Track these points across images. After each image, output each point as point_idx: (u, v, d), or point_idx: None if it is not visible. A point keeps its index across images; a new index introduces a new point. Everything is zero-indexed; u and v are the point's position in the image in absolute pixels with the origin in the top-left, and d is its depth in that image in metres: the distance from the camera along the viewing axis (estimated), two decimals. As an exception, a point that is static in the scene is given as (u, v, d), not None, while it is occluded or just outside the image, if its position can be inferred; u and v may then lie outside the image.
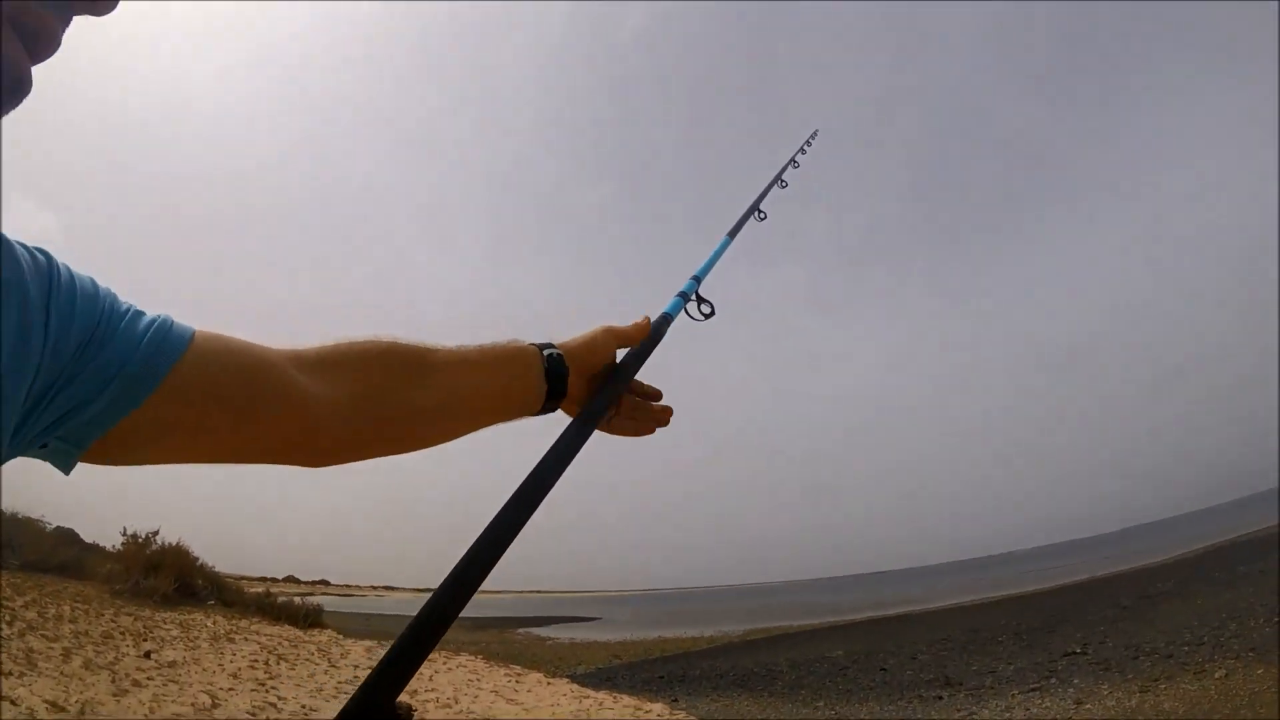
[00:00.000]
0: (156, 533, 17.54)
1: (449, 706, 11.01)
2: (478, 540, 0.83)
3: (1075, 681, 11.63)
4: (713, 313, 1.45)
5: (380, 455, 0.95)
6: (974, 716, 10.66)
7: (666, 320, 1.34)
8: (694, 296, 1.47)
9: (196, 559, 17.87)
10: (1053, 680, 12.07)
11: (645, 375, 1.21)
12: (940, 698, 12.33)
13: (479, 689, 13.35)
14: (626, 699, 13.70)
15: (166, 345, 0.74)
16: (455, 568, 0.81)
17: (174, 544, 17.46)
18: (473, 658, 18.93)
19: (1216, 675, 9.95)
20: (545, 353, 1.06)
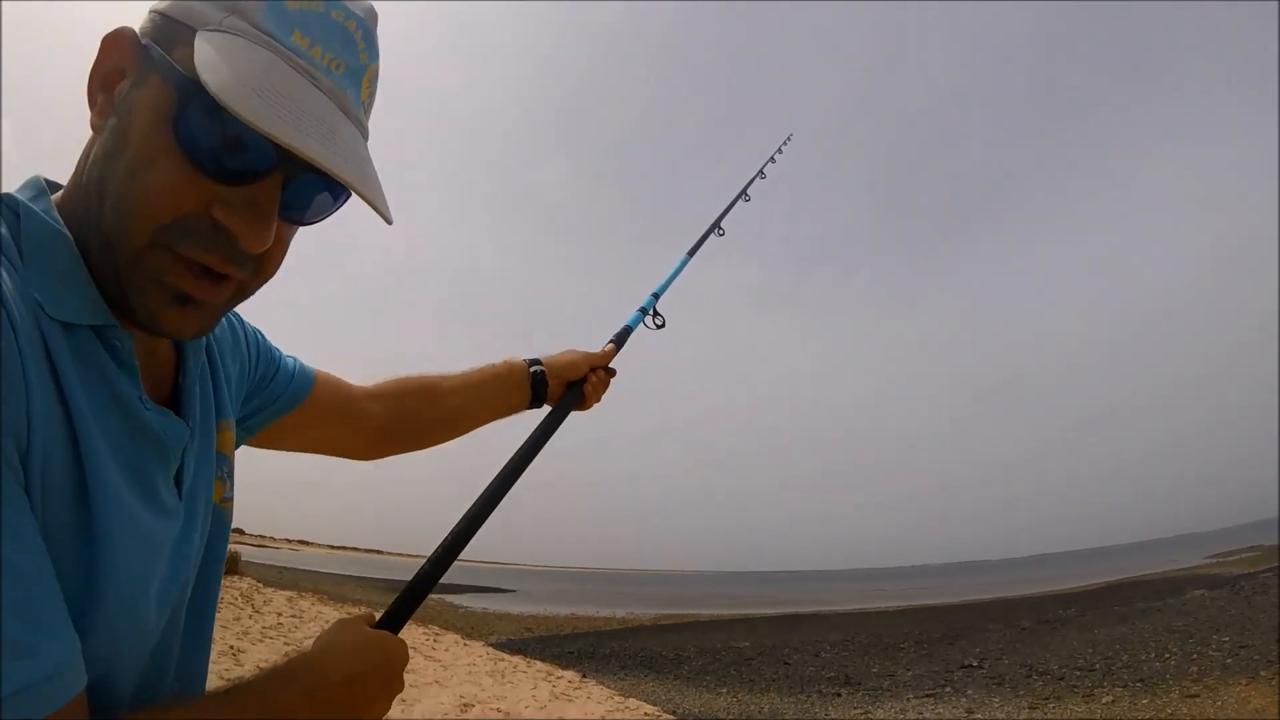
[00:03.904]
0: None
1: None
2: (472, 507, 1.16)
3: (969, 692, 12.01)
4: (664, 325, 1.76)
5: (411, 450, 1.47)
6: (870, 715, 10.96)
7: (628, 331, 1.69)
8: (652, 311, 1.78)
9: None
10: (947, 689, 12.45)
11: (617, 371, 1.65)
12: (839, 695, 12.65)
13: (397, 644, 13.24)
14: (539, 664, 13.81)
15: (305, 380, 1.20)
16: (455, 527, 1.13)
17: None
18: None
19: (1104, 701, 10.37)
20: (532, 369, 1.52)
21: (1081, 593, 32.50)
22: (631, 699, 11.42)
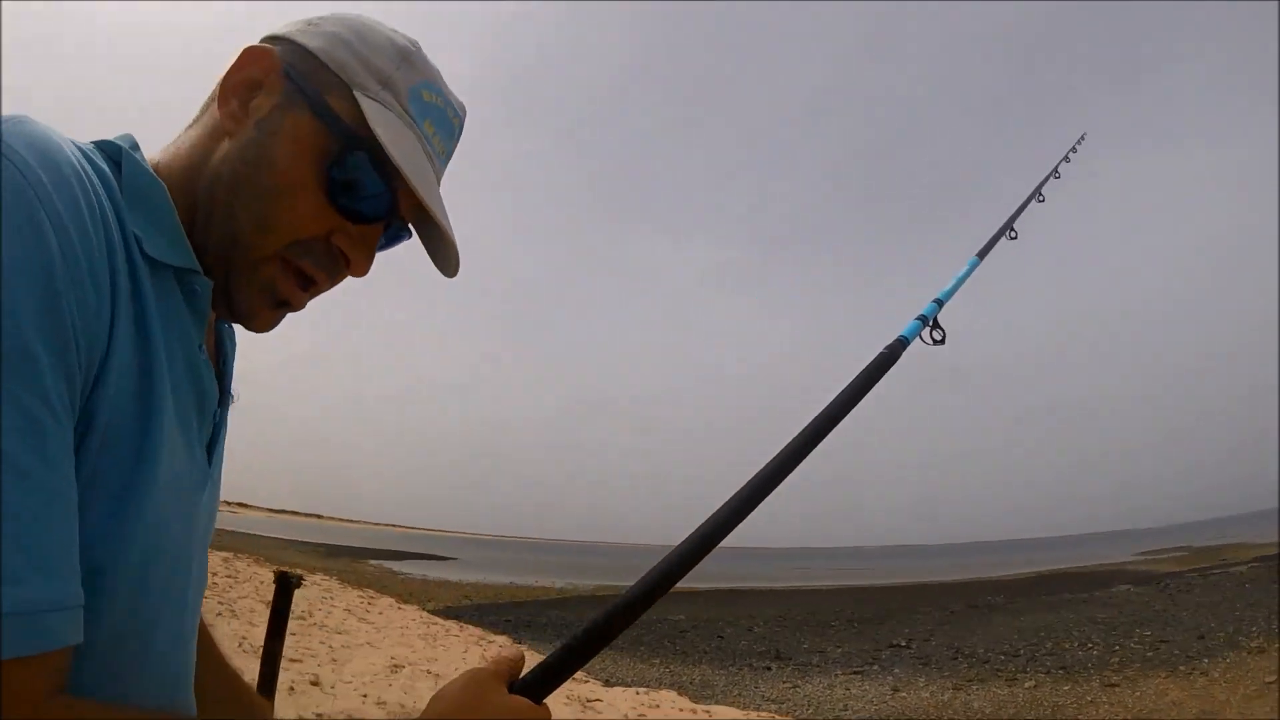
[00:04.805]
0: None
1: (303, 619, 10.94)
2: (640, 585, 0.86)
3: (896, 671, 12.27)
4: (943, 340, 1.41)
5: None
6: (798, 689, 11.14)
7: (902, 344, 1.29)
8: (932, 321, 1.42)
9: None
10: (875, 667, 12.72)
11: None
12: (769, 669, 12.83)
13: (332, 605, 13.33)
14: (473, 629, 13.89)
15: None
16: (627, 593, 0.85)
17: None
18: (327, 577, 18.77)
19: (1026, 685, 10.64)
20: None
21: (1012, 581, 33.31)
22: (562, 664, 11.54)
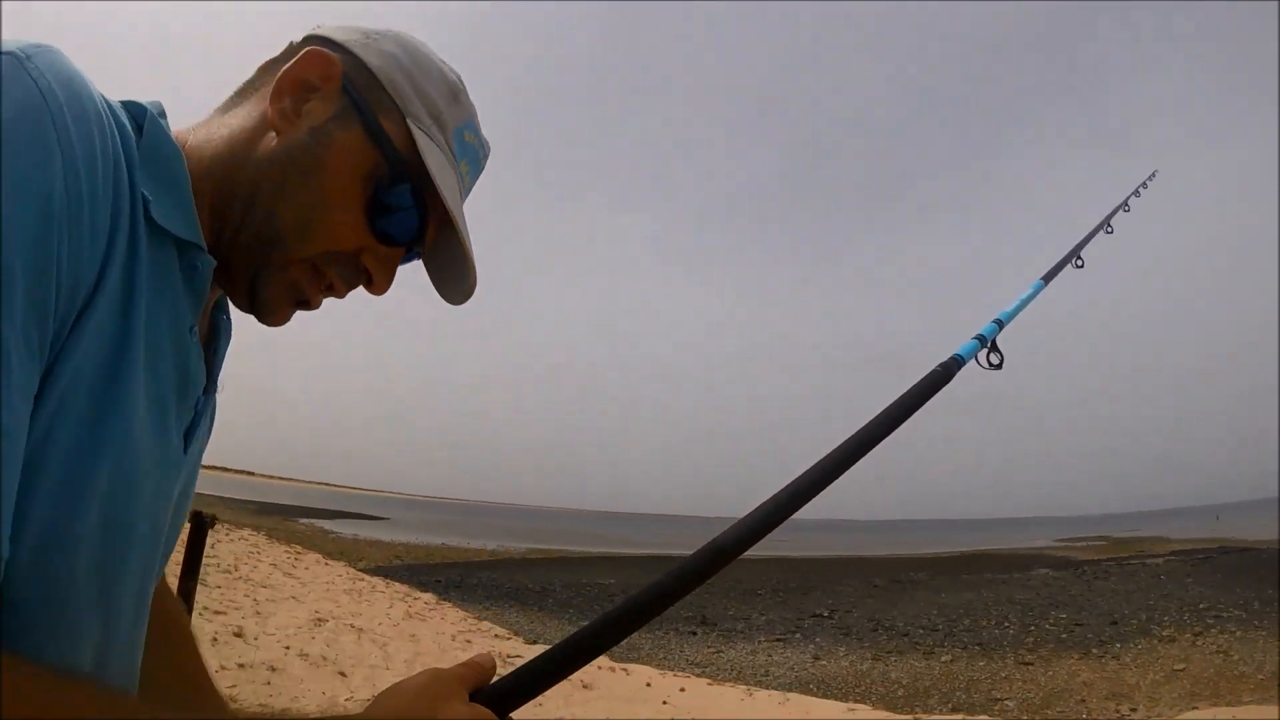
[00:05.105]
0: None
1: (229, 573, 10.80)
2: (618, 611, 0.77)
3: (817, 640, 12.59)
4: (1001, 364, 1.32)
5: None
6: (721, 654, 11.39)
7: (957, 363, 1.20)
8: (990, 343, 1.33)
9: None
10: (797, 635, 13.05)
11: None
12: (695, 634, 13.08)
13: (258, 560, 13.16)
14: (400, 586, 13.90)
15: None
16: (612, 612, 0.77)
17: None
18: (255, 533, 18.54)
19: (943, 659, 10.99)
20: None
21: (935, 559, 34.32)
22: (485, 622, 11.65)
